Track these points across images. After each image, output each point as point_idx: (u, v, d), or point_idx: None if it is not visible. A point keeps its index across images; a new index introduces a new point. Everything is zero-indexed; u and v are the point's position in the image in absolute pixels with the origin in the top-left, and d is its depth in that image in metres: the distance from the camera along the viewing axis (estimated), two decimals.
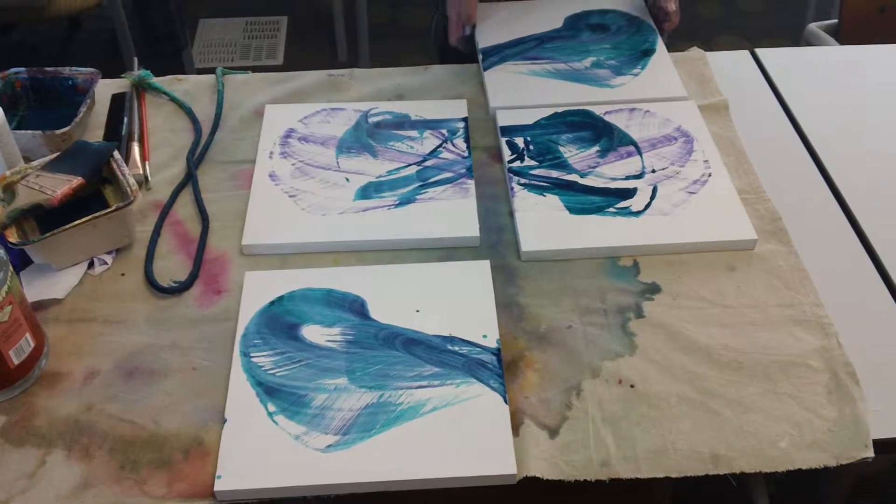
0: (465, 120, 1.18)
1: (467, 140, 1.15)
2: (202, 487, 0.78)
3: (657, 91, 1.22)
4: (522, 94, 1.22)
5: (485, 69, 1.26)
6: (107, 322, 0.93)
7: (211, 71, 1.29)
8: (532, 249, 0.99)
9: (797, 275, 0.98)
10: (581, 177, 1.08)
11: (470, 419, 0.82)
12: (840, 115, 1.23)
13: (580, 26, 1.36)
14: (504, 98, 1.21)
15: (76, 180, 0.98)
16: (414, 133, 1.16)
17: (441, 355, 0.88)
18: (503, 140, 1.13)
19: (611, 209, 1.03)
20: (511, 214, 1.05)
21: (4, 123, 1.01)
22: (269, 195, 1.07)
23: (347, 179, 1.09)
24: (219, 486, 0.78)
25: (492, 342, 0.89)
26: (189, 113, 1.21)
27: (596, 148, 1.12)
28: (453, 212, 1.04)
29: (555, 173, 1.08)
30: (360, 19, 2.70)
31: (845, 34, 1.73)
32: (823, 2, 2.64)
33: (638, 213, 1.03)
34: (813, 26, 1.78)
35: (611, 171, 1.09)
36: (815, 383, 0.87)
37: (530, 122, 1.16)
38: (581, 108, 1.18)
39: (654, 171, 1.09)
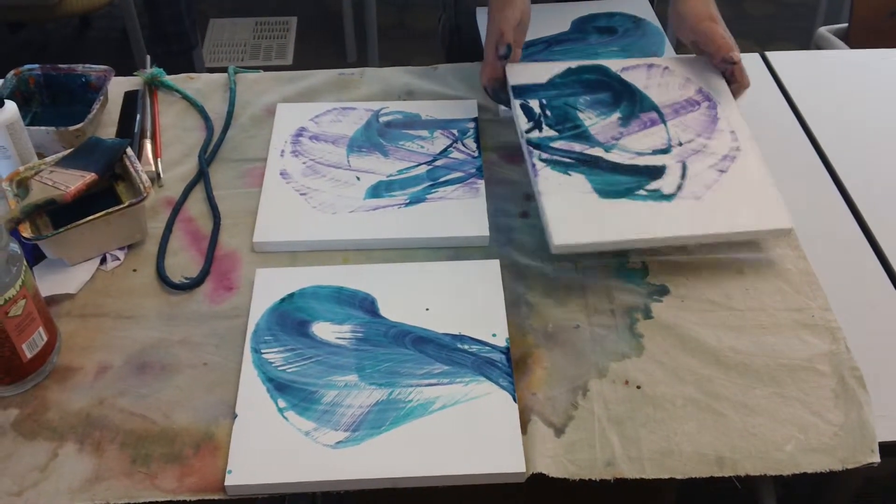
0: (475, 120, 1.19)
1: (477, 140, 1.15)
2: (213, 482, 0.79)
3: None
4: None
5: None
6: (119, 317, 0.94)
7: (221, 70, 1.30)
8: (565, 243, 0.93)
9: (806, 279, 0.98)
10: (605, 150, 1.03)
11: (479, 417, 0.83)
12: (851, 118, 1.23)
13: (588, 29, 1.35)
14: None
15: (89, 176, 0.99)
16: (424, 133, 1.17)
17: (450, 353, 0.89)
18: (516, 103, 1.07)
19: (641, 192, 0.99)
20: (523, 215, 1.05)
21: (19, 119, 1.02)
22: (279, 193, 1.07)
23: (358, 178, 1.09)
24: (229, 480, 0.78)
25: (501, 341, 0.90)
26: (201, 111, 1.22)
27: (617, 115, 1.07)
28: (463, 211, 1.05)
29: (577, 146, 1.03)
30: (369, 20, 2.71)
31: (855, 38, 1.74)
32: (833, 6, 2.65)
33: (670, 197, 0.98)
34: (823, 30, 1.79)
35: (636, 144, 1.04)
36: (822, 387, 0.88)
37: (544, 80, 1.11)
38: (596, 64, 1.13)
39: (680, 143, 1.04)
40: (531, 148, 1.02)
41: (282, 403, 0.84)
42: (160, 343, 0.91)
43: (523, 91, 1.09)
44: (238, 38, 2.95)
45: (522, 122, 1.04)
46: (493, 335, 0.90)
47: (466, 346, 0.89)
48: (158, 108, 1.23)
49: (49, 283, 0.95)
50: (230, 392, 0.86)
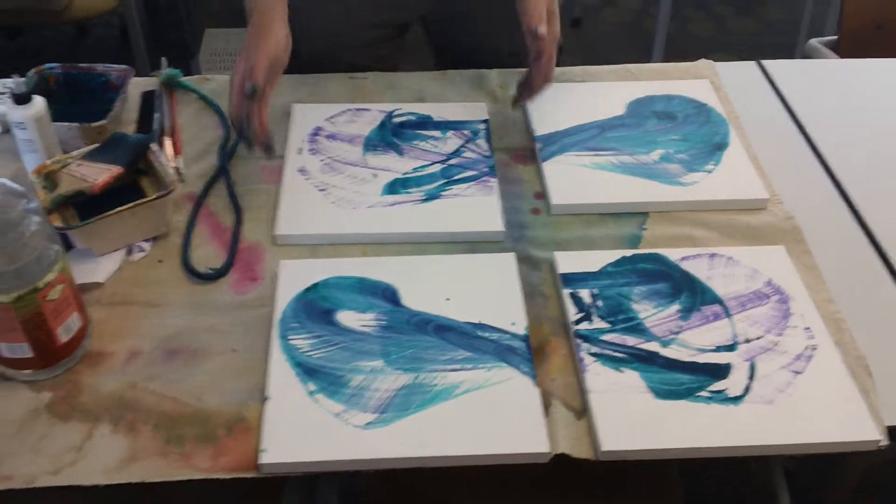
0: (486, 122, 1.22)
1: (489, 140, 1.19)
2: (246, 461, 0.81)
3: (735, 191, 1.12)
4: (587, 191, 1.11)
5: (543, 160, 1.16)
6: (147, 305, 0.96)
7: None
8: (613, 449, 0.83)
9: (810, 272, 1.02)
10: (663, 346, 0.92)
11: (502, 400, 0.86)
12: (848, 123, 1.27)
13: (645, 113, 1.24)
14: (566, 194, 1.11)
15: (116, 169, 1.01)
16: (437, 133, 1.20)
17: (472, 341, 0.91)
18: (566, 293, 0.98)
19: (703, 393, 0.88)
20: (534, 211, 1.08)
21: (46, 114, 1.05)
22: (299, 189, 1.10)
23: (375, 175, 1.12)
24: (263, 459, 0.81)
25: (520, 329, 0.93)
26: (217, 111, 1.25)
27: (676, 307, 0.97)
28: (478, 207, 1.08)
29: (631, 340, 0.93)
30: None
31: (844, 50, 1.79)
32: (816, 22, 2.71)
33: (737, 400, 0.87)
34: (813, 42, 1.84)
35: (697, 340, 0.93)
36: None
37: (595, 268, 1.01)
38: (653, 252, 1.03)
39: (747, 340, 0.93)
40: (579, 341, 0.93)
41: (311, 387, 0.86)
42: (188, 330, 0.94)
43: (573, 280, 0.99)
44: (233, 47, 2.97)
45: (571, 314, 0.96)
46: (513, 324, 0.93)
47: (487, 334, 0.92)
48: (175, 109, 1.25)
49: (78, 273, 0.96)
50: (258, 377, 0.89)
